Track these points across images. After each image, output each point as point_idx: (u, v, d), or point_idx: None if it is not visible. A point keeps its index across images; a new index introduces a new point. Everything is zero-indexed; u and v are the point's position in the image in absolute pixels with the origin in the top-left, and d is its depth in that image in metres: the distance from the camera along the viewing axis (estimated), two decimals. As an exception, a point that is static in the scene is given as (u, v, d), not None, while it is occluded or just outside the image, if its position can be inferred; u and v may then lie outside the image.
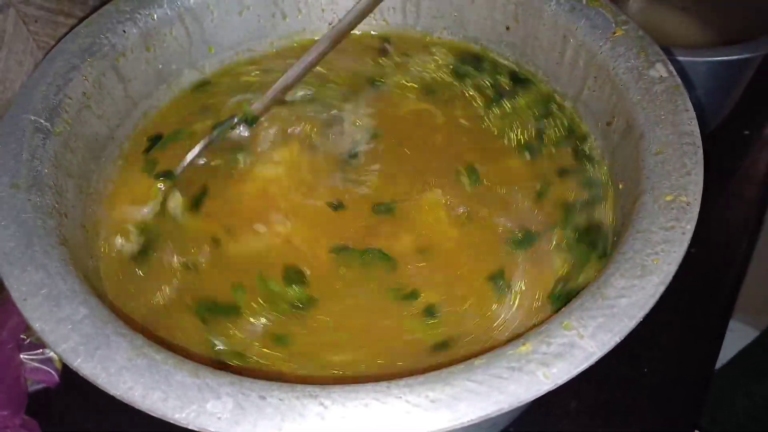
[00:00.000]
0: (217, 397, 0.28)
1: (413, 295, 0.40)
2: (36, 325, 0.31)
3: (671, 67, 0.41)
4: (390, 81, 0.53)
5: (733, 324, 0.57)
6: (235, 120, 0.49)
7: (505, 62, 0.52)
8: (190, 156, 0.47)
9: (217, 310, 0.40)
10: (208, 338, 0.39)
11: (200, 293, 0.41)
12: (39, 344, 0.51)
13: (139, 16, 0.47)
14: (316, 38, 0.55)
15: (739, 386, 0.75)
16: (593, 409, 0.50)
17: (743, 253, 0.61)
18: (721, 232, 0.62)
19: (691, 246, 0.33)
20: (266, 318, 0.40)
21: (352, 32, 0.50)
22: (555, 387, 0.28)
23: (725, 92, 0.64)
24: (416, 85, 0.52)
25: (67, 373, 0.51)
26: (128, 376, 0.29)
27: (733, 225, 0.63)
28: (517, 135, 0.48)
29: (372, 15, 0.55)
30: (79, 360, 0.30)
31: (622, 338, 0.30)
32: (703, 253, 0.57)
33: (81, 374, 0.29)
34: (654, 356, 0.53)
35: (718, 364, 0.60)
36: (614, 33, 0.44)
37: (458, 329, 0.39)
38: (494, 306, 0.39)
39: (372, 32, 0.56)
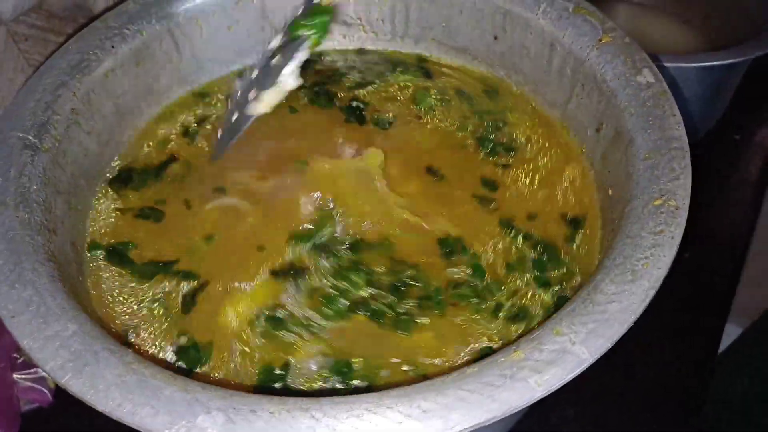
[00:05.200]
0: (207, 412, 0.28)
1: None
2: (24, 343, 0.31)
3: (658, 73, 0.41)
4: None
5: (728, 327, 0.57)
6: None
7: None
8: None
9: None
10: None
11: None
12: (32, 364, 0.51)
13: (128, 32, 0.47)
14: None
15: (737, 387, 0.75)
16: (591, 415, 0.50)
17: (737, 256, 0.61)
18: (714, 236, 0.62)
19: (684, 251, 0.33)
20: None
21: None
22: (547, 394, 0.28)
23: (714, 97, 0.64)
24: None
25: (61, 392, 0.50)
26: (117, 392, 0.29)
27: (726, 229, 0.63)
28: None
29: (361, 27, 0.56)
30: (67, 377, 0.29)
31: (614, 343, 0.30)
32: (697, 257, 0.58)
33: (69, 391, 0.29)
34: (651, 361, 0.53)
35: (715, 367, 0.60)
36: (601, 40, 0.44)
37: None
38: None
39: (361, 45, 0.56)
